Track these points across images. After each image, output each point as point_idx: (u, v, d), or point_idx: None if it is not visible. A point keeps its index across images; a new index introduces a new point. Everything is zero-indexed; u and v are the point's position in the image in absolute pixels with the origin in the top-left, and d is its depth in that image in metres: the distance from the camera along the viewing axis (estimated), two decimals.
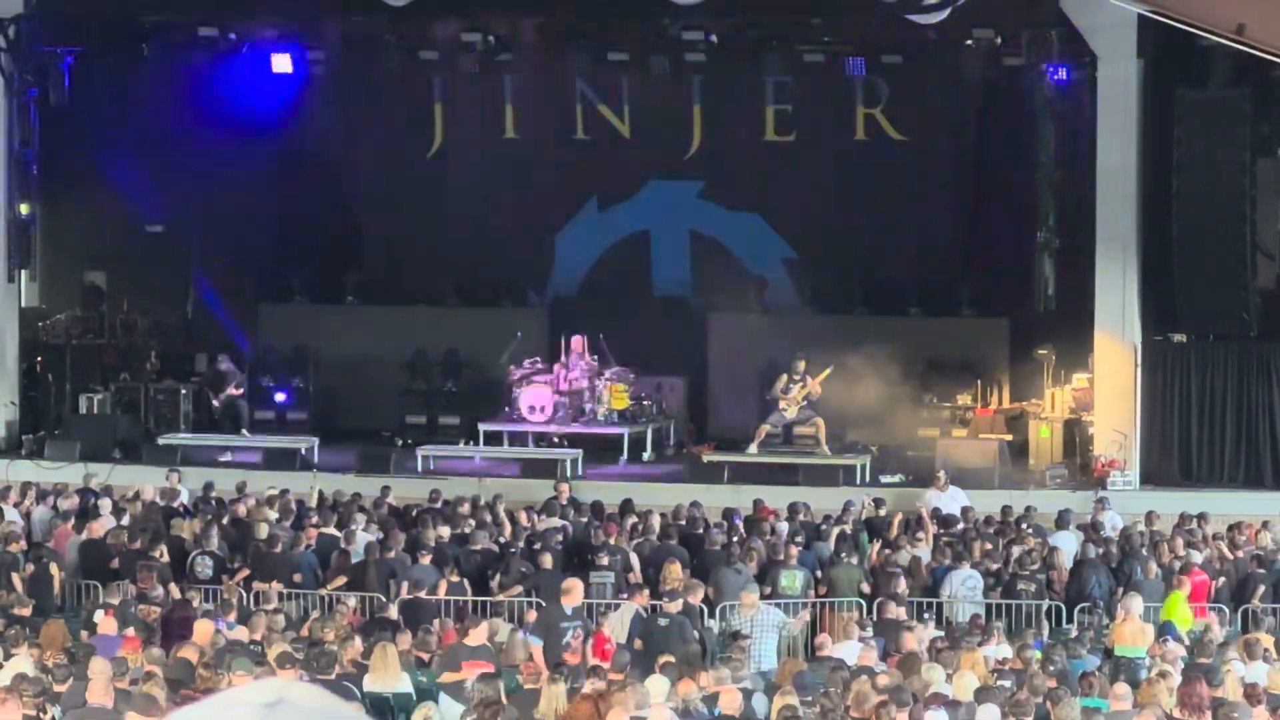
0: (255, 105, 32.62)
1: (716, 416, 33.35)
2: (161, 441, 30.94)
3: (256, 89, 32.45)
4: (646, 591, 21.48)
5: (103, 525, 24.87)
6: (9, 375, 32.07)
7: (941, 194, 33.17)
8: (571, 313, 33.38)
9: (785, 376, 29.95)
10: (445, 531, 24.68)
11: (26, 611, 20.42)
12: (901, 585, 22.52)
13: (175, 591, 21.70)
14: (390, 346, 33.60)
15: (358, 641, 18.65)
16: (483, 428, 31.09)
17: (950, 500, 27.09)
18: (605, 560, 23.54)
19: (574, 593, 20.36)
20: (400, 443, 31.49)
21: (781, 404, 29.90)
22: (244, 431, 31.98)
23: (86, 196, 32.55)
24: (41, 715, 15.31)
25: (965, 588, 23.18)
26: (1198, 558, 23.88)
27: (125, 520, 25.37)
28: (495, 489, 27.88)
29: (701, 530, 25.16)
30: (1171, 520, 25.86)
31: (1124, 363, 29.03)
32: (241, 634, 19.21)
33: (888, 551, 24.27)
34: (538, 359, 31.81)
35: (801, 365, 29.82)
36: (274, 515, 25.43)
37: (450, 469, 29.96)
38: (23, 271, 32.39)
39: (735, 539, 24.63)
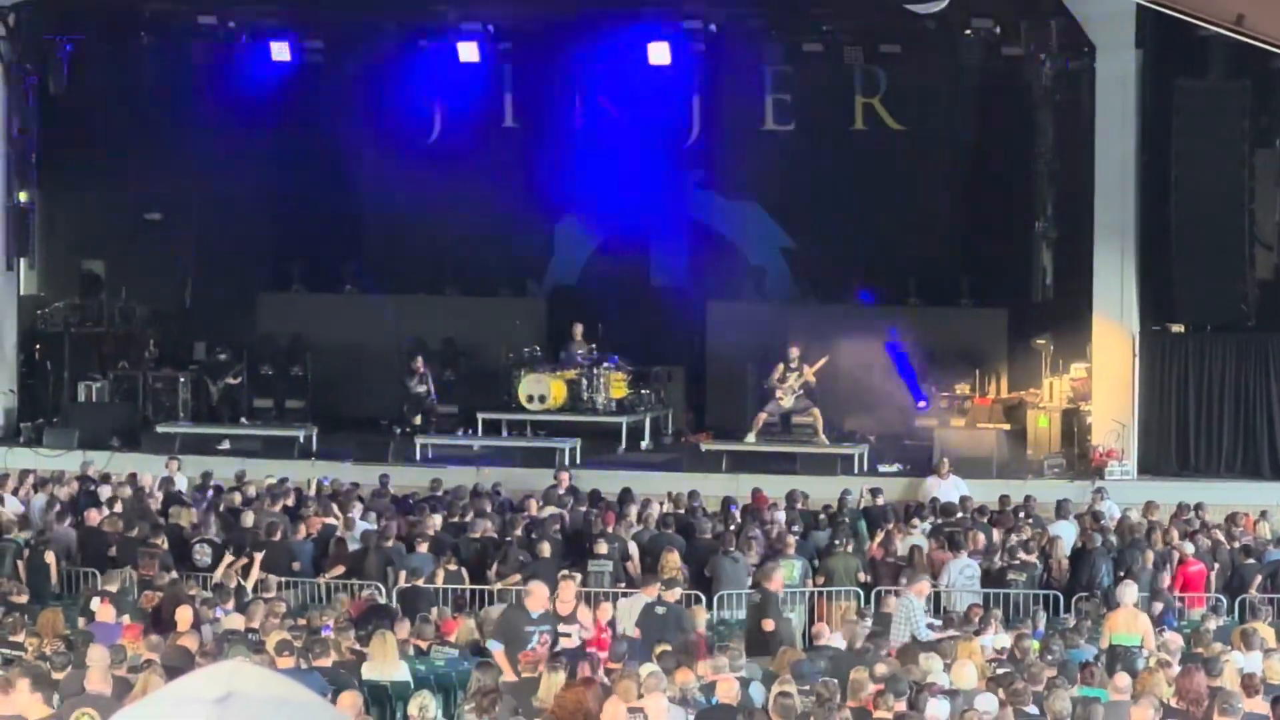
0: (254, 93, 32.58)
1: (714, 405, 33.33)
2: (160, 430, 30.93)
3: (255, 77, 32.41)
4: (659, 584, 20.39)
5: (101, 513, 24.90)
6: (7, 363, 32.09)
7: (940, 184, 33.13)
8: (570, 302, 33.37)
9: (781, 365, 29.92)
10: (439, 520, 24.67)
11: (24, 599, 20.44)
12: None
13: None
14: (389, 336, 33.58)
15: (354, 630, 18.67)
16: (481, 416, 31.12)
17: (950, 489, 27.11)
18: (604, 549, 23.55)
19: (537, 596, 18.65)
20: (399, 431, 31.48)
21: (778, 393, 29.86)
22: (242, 420, 31.98)
23: (85, 185, 32.59)
24: None
25: (963, 577, 23.18)
26: (1193, 548, 23.89)
27: (118, 507, 25.39)
28: (494, 478, 27.93)
29: (699, 519, 25.16)
30: (1169, 510, 25.88)
31: (1122, 353, 29.02)
32: (239, 622, 19.22)
33: (895, 542, 24.21)
34: (536, 348, 31.83)
35: (796, 353, 29.78)
36: (272, 504, 25.46)
37: (449, 458, 29.96)
38: (21, 260, 32.43)
39: (733, 528, 24.63)
